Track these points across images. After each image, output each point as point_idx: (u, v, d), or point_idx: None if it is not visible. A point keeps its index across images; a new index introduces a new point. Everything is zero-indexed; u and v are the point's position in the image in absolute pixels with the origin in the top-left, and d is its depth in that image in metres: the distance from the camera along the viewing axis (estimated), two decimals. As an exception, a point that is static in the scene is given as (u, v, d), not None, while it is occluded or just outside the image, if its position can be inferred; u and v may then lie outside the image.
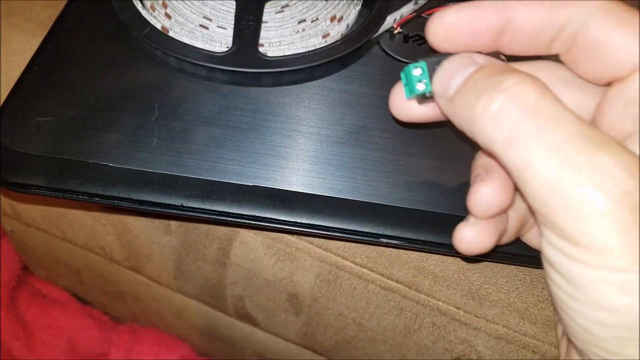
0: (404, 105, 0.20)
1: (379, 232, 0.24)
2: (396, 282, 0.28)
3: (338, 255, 0.29)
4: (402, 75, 0.20)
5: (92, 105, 0.26)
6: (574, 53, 0.17)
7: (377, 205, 0.24)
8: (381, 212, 0.24)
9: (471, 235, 0.19)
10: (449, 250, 0.24)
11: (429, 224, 0.24)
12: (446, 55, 0.18)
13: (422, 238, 0.24)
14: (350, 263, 0.29)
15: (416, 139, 0.26)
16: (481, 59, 0.17)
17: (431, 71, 0.18)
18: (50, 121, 0.25)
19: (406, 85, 0.19)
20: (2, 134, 0.24)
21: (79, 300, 0.51)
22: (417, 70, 0.18)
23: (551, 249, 0.15)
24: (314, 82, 0.28)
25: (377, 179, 0.25)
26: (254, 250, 0.31)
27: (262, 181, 0.24)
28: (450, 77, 0.17)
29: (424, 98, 0.19)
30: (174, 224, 0.33)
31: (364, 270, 0.29)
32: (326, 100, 0.28)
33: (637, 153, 0.16)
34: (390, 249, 0.28)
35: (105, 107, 0.26)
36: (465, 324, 0.28)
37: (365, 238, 0.24)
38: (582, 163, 0.14)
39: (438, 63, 0.18)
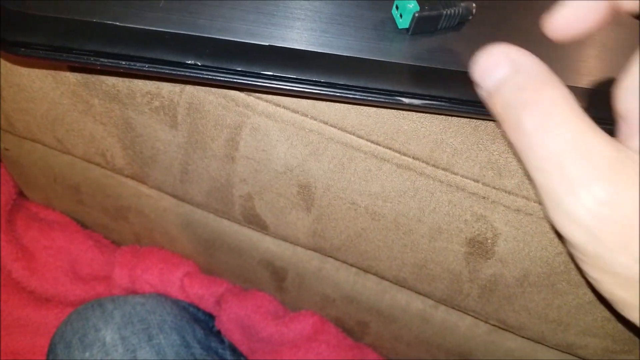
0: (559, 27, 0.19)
1: (400, 90, 0.23)
2: (413, 158, 0.28)
3: (353, 134, 0.28)
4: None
5: (92, -33, 0.24)
6: None
7: (397, 64, 0.23)
8: (402, 70, 0.23)
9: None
10: (469, 108, 0.24)
11: (449, 82, 0.23)
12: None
13: (443, 95, 0.23)
14: (365, 141, 0.28)
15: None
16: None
17: None
18: (49, -18, 0.24)
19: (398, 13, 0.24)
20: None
21: (79, 224, 0.50)
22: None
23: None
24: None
25: (397, 39, 0.24)
26: (265, 137, 0.30)
27: (279, 41, 0.23)
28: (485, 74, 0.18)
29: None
30: (180, 115, 0.32)
31: (380, 148, 0.28)
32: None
33: None
34: (408, 123, 0.27)
35: (107, -31, 0.24)
36: (483, 198, 0.28)
37: (385, 98, 0.23)
38: None
39: None
